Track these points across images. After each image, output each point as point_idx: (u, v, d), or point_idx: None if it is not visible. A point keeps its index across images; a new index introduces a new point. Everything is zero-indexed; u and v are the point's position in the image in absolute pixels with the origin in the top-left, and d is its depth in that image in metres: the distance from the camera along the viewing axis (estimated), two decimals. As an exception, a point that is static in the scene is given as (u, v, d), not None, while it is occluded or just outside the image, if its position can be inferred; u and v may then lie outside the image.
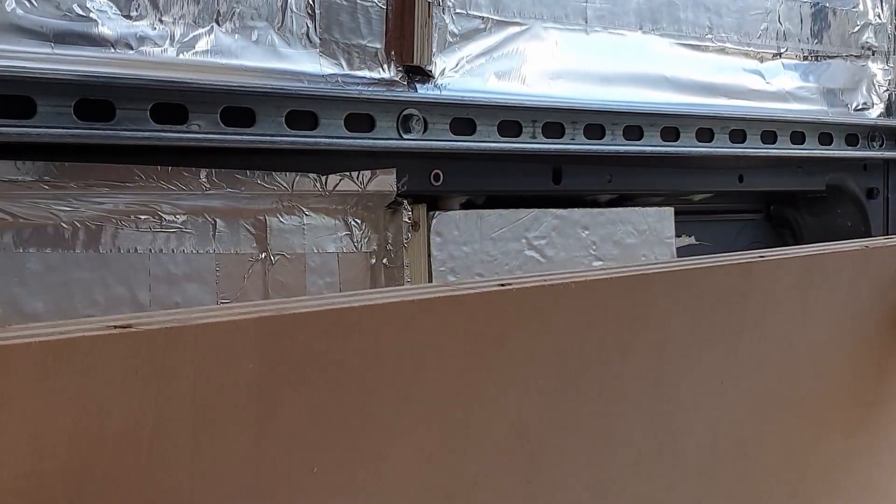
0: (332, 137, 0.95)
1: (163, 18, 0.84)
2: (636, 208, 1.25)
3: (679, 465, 0.66)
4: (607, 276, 0.57)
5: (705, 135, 1.24)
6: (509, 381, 0.54)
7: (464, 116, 1.03)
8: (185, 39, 0.86)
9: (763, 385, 0.70)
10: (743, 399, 0.69)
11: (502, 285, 0.52)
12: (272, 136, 0.91)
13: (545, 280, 0.54)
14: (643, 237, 1.16)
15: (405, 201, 1.04)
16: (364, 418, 0.48)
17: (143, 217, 0.92)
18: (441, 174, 1.05)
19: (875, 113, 1.47)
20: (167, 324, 0.40)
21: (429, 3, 0.98)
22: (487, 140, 1.04)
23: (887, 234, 1.43)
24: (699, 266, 0.63)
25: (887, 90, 1.49)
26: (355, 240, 1.03)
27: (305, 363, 0.45)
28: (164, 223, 0.93)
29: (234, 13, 0.88)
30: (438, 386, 0.51)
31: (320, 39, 0.94)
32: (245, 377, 0.43)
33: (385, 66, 0.98)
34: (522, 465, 0.56)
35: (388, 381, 0.48)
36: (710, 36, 1.29)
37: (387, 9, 0.97)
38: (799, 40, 1.40)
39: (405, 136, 0.99)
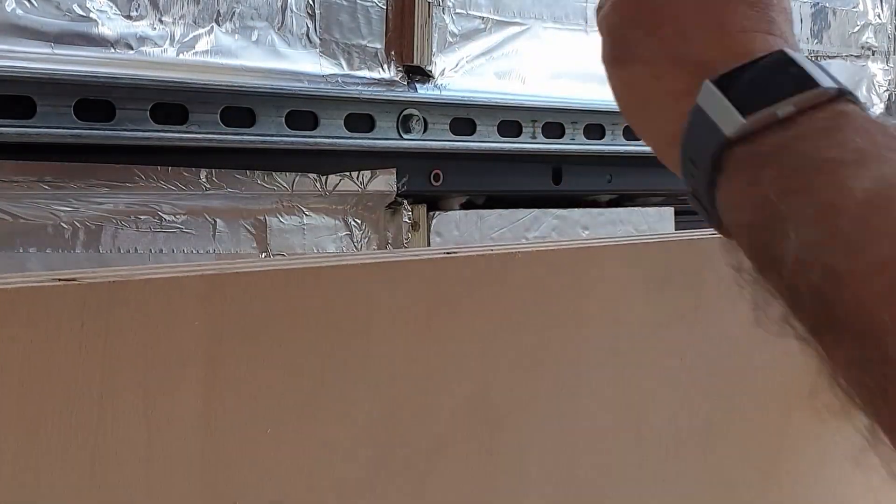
0: (332, 137, 0.95)
1: (163, 19, 0.84)
2: (636, 208, 1.25)
3: (644, 444, 0.66)
4: (555, 248, 0.58)
5: (705, 135, 1.24)
6: (462, 351, 0.54)
7: (464, 116, 1.03)
8: (185, 39, 0.86)
9: (725, 365, 0.70)
10: (705, 377, 0.69)
11: (448, 253, 0.53)
12: (272, 136, 0.91)
13: (491, 249, 0.55)
14: (643, 237, 1.16)
15: (405, 201, 1.04)
16: (316, 382, 0.48)
17: (143, 217, 0.92)
18: (441, 174, 1.05)
19: (875, 113, 1.47)
20: (112, 278, 0.41)
21: (429, 3, 0.98)
22: (487, 140, 1.05)
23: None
24: (651, 241, 0.63)
25: (887, 90, 1.49)
26: (355, 240, 1.03)
27: (252, 323, 0.45)
28: (164, 223, 0.93)
29: (234, 13, 0.89)
30: (391, 351, 0.51)
31: (320, 39, 0.94)
32: (192, 334, 0.43)
33: (385, 66, 0.98)
34: (482, 436, 0.56)
35: (339, 344, 0.48)
36: (710, 36, 1.28)
37: (387, 9, 0.98)
38: (799, 40, 1.40)
39: (405, 136, 0.99)
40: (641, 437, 0.66)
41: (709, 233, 0.67)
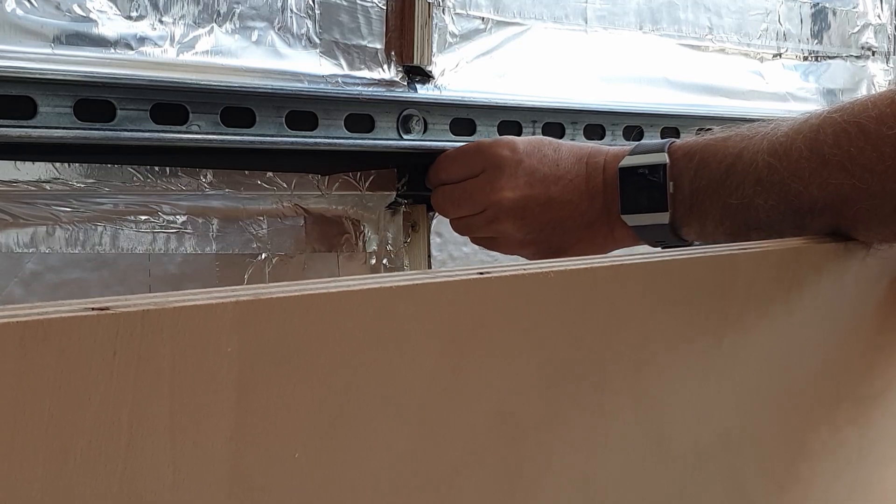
0: (332, 137, 0.95)
1: (163, 19, 0.84)
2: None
3: (664, 456, 0.66)
4: (587, 266, 0.57)
5: (705, 135, 1.24)
6: (490, 370, 0.54)
7: (464, 117, 1.03)
8: (186, 40, 0.86)
9: (748, 378, 0.71)
10: (728, 392, 0.69)
11: (481, 273, 0.52)
12: (272, 136, 0.91)
13: (525, 269, 0.54)
14: (643, 237, 1.16)
15: (405, 202, 1.04)
16: (344, 404, 0.48)
17: (143, 217, 0.92)
18: (441, 174, 1.05)
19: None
20: (144, 306, 0.40)
21: (429, 3, 0.98)
22: (487, 140, 1.04)
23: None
24: (680, 257, 0.63)
25: (887, 90, 1.49)
26: (355, 240, 1.03)
27: (284, 347, 0.45)
28: (164, 223, 0.93)
29: (234, 13, 0.88)
30: (418, 373, 0.50)
31: (320, 40, 0.93)
32: (223, 360, 0.43)
33: (385, 67, 0.98)
34: (506, 455, 0.56)
35: (367, 366, 0.48)
36: (710, 36, 1.29)
37: (387, 9, 0.97)
38: (799, 41, 1.40)
39: (405, 137, 0.99)
40: (662, 451, 0.65)
41: (736, 248, 0.67)
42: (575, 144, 0.97)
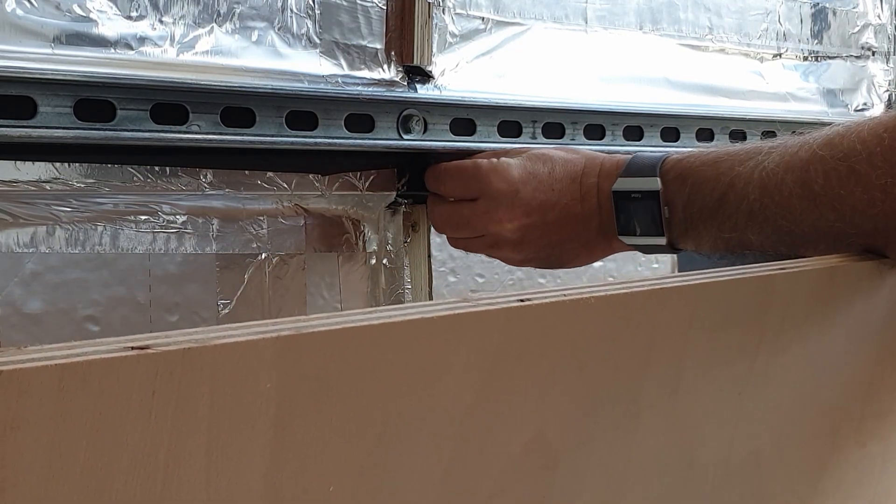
0: (332, 137, 0.95)
1: (163, 19, 0.84)
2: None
3: (694, 477, 0.66)
4: (627, 291, 0.56)
5: (705, 135, 1.24)
6: (527, 396, 0.53)
7: (464, 117, 1.03)
8: (186, 40, 0.86)
9: (780, 397, 0.70)
10: (760, 411, 0.69)
11: (522, 301, 0.51)
12: (272, 136, 0.91)
13: (565, 295, 0.53)
14: (643, 237, 1.16)
15: (405, 202, 1.04)
16: (381, 435, 0.47)
17: (143, 217, 0.92)
18: (441, 174, 1.05)
19: (875, 113, 1.47)
20: (185, 344, 0.39)
21: (429, 3, 0.98)
22: (487, 140, 1.04)
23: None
24: (719, 279, 0.62)
25: (887, 90, 1.49)
26: (355, 240, 1.03)
27: (323, 381, 0.44)
28: (164, 223, 0.93)
29: (234, 13, 0.88)
30: (456, 402, 0.50)
31: (320, 40, 0.93)
32: (262, 396, 0.42)
33: (385, 67, 0.98)
34: (538, 480, 0.55)
35: (405, 397, 0.47)
36: (710, 36, 1.29)
37: (387, 9, 0.97)
38: (799, 41, 1.40)
39: (405, 137, 0.99)
40: (693, 472, 0.65)
41: (774, 268, 0.66)
42: (568, 160, 0.97)
